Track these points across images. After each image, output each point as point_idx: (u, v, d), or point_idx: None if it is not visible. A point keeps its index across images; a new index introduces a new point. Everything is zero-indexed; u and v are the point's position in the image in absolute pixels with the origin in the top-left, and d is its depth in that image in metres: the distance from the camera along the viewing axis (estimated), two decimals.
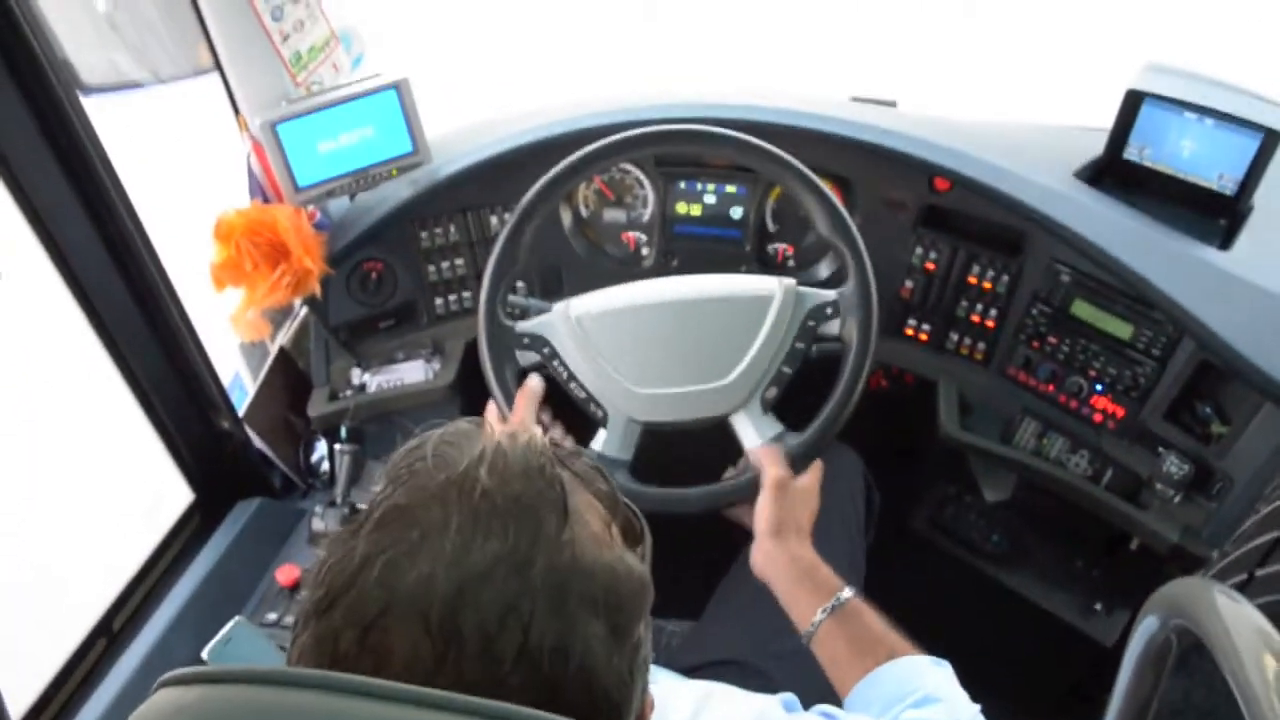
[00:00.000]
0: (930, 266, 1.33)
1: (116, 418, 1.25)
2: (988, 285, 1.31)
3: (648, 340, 1.10)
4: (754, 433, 1.07)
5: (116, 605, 1.19)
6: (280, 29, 1.25)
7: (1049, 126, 1.42)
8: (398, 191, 1.39)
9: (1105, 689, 0.86)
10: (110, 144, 1.09)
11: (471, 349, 1.46)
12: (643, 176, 1.41)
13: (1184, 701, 0.79)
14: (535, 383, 1.09)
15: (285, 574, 1.23)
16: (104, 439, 1.33)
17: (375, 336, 1.50)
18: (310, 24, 1.30)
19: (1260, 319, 1.08)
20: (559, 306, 1.13)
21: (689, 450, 1.09)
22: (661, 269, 1.43)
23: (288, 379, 1.48)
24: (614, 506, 0.50)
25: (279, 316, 1.47)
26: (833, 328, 1.09)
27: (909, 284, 1.35)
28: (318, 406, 1.45)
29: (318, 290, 1.33)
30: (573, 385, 1.10)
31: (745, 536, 1.11)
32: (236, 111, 1.31)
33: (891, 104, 1.43)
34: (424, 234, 1.44)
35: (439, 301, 1.50)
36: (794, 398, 1.10)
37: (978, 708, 0.80)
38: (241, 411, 1.35)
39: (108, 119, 1.09)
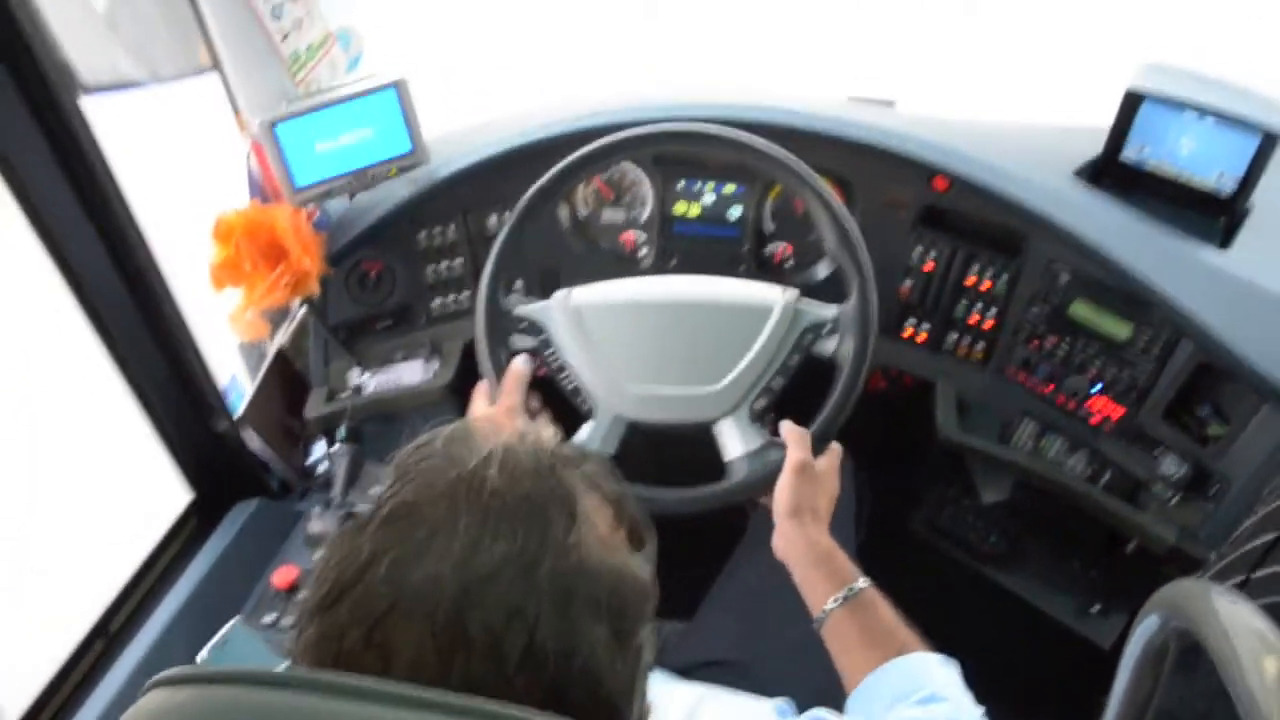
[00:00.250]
0: (929, 266, 1.33)
1: (115, 418, 1.25)
2: (986, 285, 1.30)
3: (642, 337, 1.09)
4: (739, 442, 1.05)
5: (114, 607, 1.19)
6: (280, 28, 1.25)
7: (1048, 126, 1.42)
8: (397, 191, 1.39)
9: (1103, 691, 0.86)
10: (109, 144, 1.08)
11: (470, 350, 1.46)
12: (642, 176, 1.41)
13: (1182, 704, 0.79)
14: (522, 364, 1.07)
15: (282, 575, 1.23)
16: (103, 439, 1.33)
17: (373, 337, 1.50)
18: (309, 22, 1.30)
19: (1259, 319, 1.08)
20: (559, 294, 1.12)
21: (669, 454, 1.07)
22: (660, 268, 1.43)
23: (285, 380, 1.48)
24: (622, 509, 0.50)
25: (277, 317, 1.47)
26: (829, 345, 1.08)
27: (908, 284, 1.35)
28: (316, 407, 1.45)
29: (317, 290, 1.33)
30: (563, 375, 1.09)
31: (738, 536, 1.10)
32: (236, 111, 1.31)
33: (889, 104, 1.43)
34: (423, 234, 1.44)
35: (437, 301, 1.49)
36: (787, 405, 1.09)
37: (982, 710, 0.79)
38: (239, 413, 1.35)
39: (107, 119, 1.08)
